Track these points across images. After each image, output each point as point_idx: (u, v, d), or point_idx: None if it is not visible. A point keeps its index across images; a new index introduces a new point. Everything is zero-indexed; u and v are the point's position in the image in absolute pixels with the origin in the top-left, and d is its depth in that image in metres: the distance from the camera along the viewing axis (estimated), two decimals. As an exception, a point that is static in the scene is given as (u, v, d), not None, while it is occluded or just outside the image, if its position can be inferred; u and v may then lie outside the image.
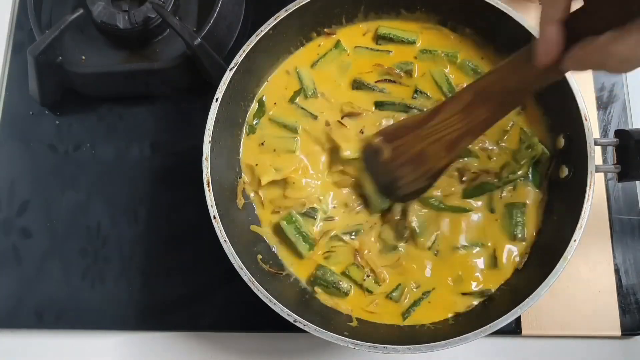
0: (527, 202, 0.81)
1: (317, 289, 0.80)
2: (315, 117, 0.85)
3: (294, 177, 0.83)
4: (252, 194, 0.85)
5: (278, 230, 0.83)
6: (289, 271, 0.82)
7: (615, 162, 0.78)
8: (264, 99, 0.87)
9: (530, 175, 0.81)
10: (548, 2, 0.53)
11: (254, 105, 0.87)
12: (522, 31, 0.79)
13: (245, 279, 0.72)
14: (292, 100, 0.87)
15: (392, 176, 0.78)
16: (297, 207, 0.82)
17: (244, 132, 0.86)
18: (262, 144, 0.85)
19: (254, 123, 0.86)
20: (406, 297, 0.79)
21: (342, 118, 0.84)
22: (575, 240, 0.71)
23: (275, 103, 0.87)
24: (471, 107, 0.68)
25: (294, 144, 0.85)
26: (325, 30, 0.88)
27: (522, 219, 0.80)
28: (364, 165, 0.82)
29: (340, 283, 0.80)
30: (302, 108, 0.86)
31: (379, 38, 0.88)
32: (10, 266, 0.92)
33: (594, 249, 0.86)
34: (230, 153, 0.84)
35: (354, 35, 0.89)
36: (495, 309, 0.73)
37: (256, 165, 0.84)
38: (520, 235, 0.79)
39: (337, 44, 0.88)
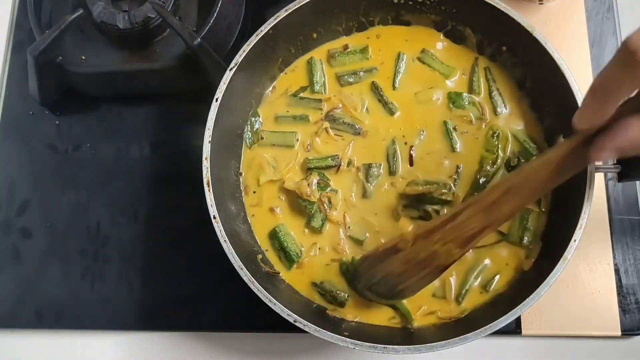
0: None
1: (315, 296, 0.80)
2: (321, 109, 0.86)
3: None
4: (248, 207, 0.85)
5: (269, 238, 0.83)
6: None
7: (615, 162, 0.78)
8: (258, 111, 0.88)
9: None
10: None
11: (254, 108, 0.87)
12: (522, 31, 0.79)
13: (245, 279, 0.72)
14: (295, 94, 0.87)
15: (394, 282, 0.74)
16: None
17: (246, 132, 0.86)
18: (261, 138, 0.86)
19: (255, 127, 0.87)
20: None
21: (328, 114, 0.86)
22: (575, 240, 0.71)
23: (282, 94, 0.88)
24: (497, 204, 0.65)
25: (294, 139, 0.85)
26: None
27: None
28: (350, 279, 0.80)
29: (338, 293, 0.79)
30: (308, 98, 0.87)
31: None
32: (10, 266, 0.92)
33: (594, 249, 0.86)
34: (231, 153, 0.84)
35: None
36: (495, 309, 0.73)
37: (254, 161, 0.85)
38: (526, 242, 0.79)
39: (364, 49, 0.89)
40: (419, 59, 0.88)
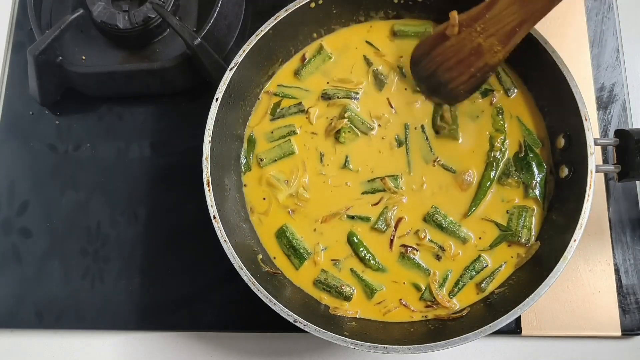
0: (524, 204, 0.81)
1: (323, 296, 0.80)
2: (307, 112, 0.87)
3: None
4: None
5: (275, 240, 0.83)
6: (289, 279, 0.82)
7: (615, 162, 0.78)
8: (252, 134, 0.87)
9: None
10: None
11: (245, 144, 0.87)
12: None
13: (245, 279, 0.72)
14: (273, 113, 0.87)
15: (446, 76, 0.80)
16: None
17: (242, 156, 0.86)
18: (261, 160, 0.85)
19: (250, 157, 0.86)
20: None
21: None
22: (575, 240, 0.71)
23: (266, 116, 0.88)
24: None
25: (292, 145, 0.85)
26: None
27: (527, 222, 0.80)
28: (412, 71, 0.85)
29: (343, 287, 0.79)
30: (287, 107, 0.87)
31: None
32: (10, 266, 0.92)
33: (594, 249, 0.86)
34: (231, 153, 0.85)
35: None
36: (495, 309, 0.73)
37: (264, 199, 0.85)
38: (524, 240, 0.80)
39: (321, 50, 0.88)
40: None
